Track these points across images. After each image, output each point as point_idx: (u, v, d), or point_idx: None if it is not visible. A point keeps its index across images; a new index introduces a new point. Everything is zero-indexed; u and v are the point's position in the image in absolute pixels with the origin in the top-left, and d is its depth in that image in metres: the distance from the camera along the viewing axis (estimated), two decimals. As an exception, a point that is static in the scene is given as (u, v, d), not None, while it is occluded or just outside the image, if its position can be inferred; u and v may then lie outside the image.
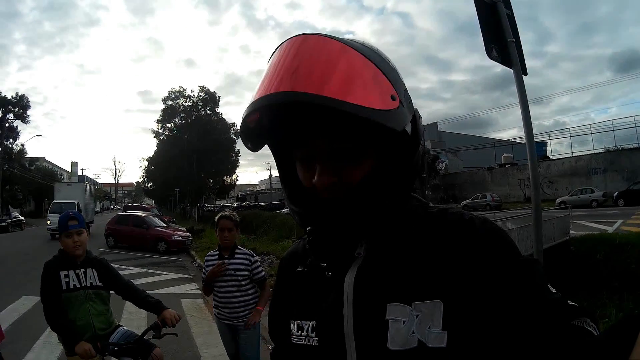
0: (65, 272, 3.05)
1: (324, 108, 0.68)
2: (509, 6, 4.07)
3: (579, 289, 10.45)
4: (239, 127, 0.83)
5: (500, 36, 3.88)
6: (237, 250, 3.90)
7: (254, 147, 0.86)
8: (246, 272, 3.81)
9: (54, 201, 28.73)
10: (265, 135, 0.84)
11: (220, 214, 4.03)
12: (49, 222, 24.00)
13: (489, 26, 3.88)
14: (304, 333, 0.86)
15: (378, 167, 0.80)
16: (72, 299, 3.02)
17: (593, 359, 0.56)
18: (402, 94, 0.78)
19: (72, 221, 3.10)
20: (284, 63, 0.74)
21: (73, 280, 3.05)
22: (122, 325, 3.37)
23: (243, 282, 3.79)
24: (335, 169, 0.79)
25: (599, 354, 0.55)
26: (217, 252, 3.97)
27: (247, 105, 0.75)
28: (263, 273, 3.93)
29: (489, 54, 3.82)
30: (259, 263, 3.97)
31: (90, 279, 3.14)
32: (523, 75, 3.90)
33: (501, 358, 0.71)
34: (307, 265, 0.93)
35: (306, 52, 0.74)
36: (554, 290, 0.74)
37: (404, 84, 0.82)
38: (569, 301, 0.73)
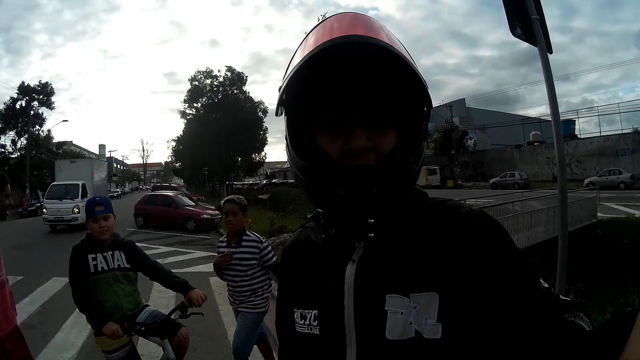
0: (93, 255, 3.09)
1: (388, 60, 0.75)
2: (533, -18, 3.94)
3: (605, 273, 10.32)
4: (282, 85, 0.82)
5: (524, 13, 3.77)
6: (244, 237, 3.81)
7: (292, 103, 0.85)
8: (254, 261, 3.74)
9: (53, 183, 22.18)
10: (298, 97, 0.84)
11: (225, 198, 3.98)
12: (45, 211, 19.68)
13: (513, 3, 3.78)
14: (307, 322, 0.88)
15: (403, 143, 0.83)
16: (100, 281, 3.08)
17: (584, 356, 0.57)
18: None
19: (98, 207, 3.13)
20: (350, 19, 0.81)
21: (101, 263, 3.10)
22: (149, 305, 3.42)
23: (249, 272, 3.74)
24: (368, 135, 0.80)
25: (589, 351, 0.56)
26: (226, 239, 3.92)
27: (310, 49, 0.77)
28: (275, 259, 3.82)
29: (513, 31, 3.72)
30: (269, 249, 3.87)
31: (118, 261, 3.18)
32: (548, 54, 3.79)
33: (495, 350, 0.72)
34: (313, 254, 0.93)
35: (364, 17, 0.83)
36: (546, 285, 0.76)
37: None
38: (560, 296, 0.74)
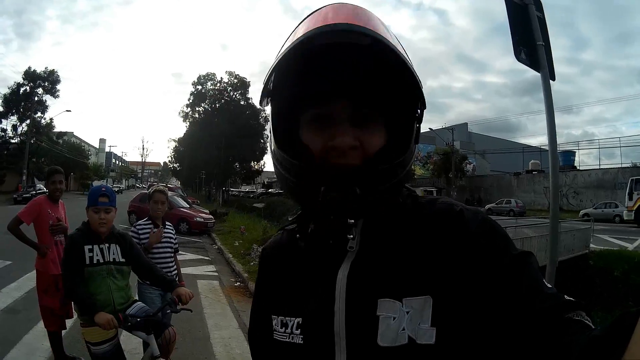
0: (90, 247, 3.05)
1: (379, 52, 0.72)
2: (540, 9, 3.99)
3: (594, 304, 10.33)
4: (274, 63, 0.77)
5: (529, 39, 3.81)
6: (166, 223, 4.37)
7: (273, 94, 0.82)
8: (174, 241, 4.38)
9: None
10: (283, 87, 0.81)
11: (154, 188, 4.40)
12: None
13: (519, 28, 3.82)
14: (288, 330, 0.84)
15: (392, 143, 0.79)
16: (94, 273, 3.03)
17: (588, 355, 0.54)
18: None
19: (102, 198, 3.08)
20: (345, 8, 0.78)
21: (97, 255, 3.06)
22: (138, 300, 3.41)
23: (175, 247, 4.39)
24: (355, 133, 0.77)
25: (594, 349, 0.53)
26: (149, 222, 4.27)
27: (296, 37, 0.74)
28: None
29: (517, 56, 3.75)
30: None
31: (114, 254, 3.14)
32: (550, 80, 3.82)
33: (495, 353, 0.69)
34: (295, 258, 0.89)
35: (359, 8, 0.79)
36: (549, 285, 0.71)
37: None
38: (565, 296, 0.69)
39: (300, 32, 0.75)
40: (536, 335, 0.63)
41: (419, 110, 0.79)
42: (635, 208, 25.65)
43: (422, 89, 0.77)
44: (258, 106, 45.37)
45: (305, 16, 0.82)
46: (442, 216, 0.80)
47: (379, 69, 0.75)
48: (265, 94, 0.81)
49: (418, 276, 0.75)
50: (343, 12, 0.75)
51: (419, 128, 0.81)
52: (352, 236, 0.79)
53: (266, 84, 0.79)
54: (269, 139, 0.85)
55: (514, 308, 0.67)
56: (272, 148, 0.83)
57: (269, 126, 0.85)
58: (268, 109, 0.85)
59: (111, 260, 3.12)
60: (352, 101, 0.77)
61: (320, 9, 0.81)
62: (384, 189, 0.77)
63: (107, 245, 3.12)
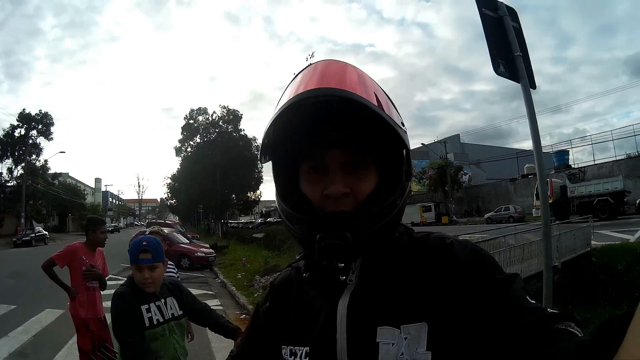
0: (147, 306, 2.58)
1: (361, 111, 0.77)
2: (515, 19, 4.08)
3: (601, 300, 10.31)
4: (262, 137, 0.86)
5: (507, 51, 3.89)
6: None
7: (272, 155, 0.91)
8: (177, 277, 4.53)
9: None
10: (280, 144, 0.89)
11: (150, 229, 4.36)
12: None
13: (496, 42, 3.90)
14: (297, 359, 0.90)
15: (382, 187, 0.86)
16: (156, 335, 2.59)
17: (578, 358, 0.57)
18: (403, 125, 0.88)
19: (143, 254, 2.59)
20: (324, 71, 0.84)
21: (156, 315, 2.61)
22: None
23: None
24: (346, 181, 0.84)
25: (583, 354, 0.56)
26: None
27: (283, 103, 0.80)
28: None
29: (496, 69, 3.82)
30: None
31: (172, 309, 2.71)
32: (531, 89, 3.90)
33: None
34: (302, 291, 0.96)
35: (340, 68, 0.86)
36: (532, 301, 0.77)
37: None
38: (549, 309, 0.75)
39: (293, 91, 0.81)
40: (524, 348, 0.68)
41: (405, 152, 0.87)
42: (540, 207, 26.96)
43: (404, 134, 0.85)
44: (249, 137, 45.44)
45: (298, 72, 0.90)
46: (434, 250, 0.87)
47: (363, 120, 0.81)
48: (264, 151, 0.90)
49: (414, 305, 0.81)
50: (327, 74, 0.82)
51: (408, 168, 0.88)
52: (344, 277, 0.86)
53: (263, 142, 0.87)
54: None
55: (501, 327, 0.73)
56: (276, 198, 0.92)
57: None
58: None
59: (170, 316, 2.68)
60: (342, 151, 0.85)
61: (309, 66, 0.89)
62: (376, 229, 0.83)
63: (163, 300, 2.68)
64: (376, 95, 0.83)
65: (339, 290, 0.88)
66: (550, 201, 27.73)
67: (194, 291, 11.96)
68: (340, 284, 0.87)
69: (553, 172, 36.76)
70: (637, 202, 26.81)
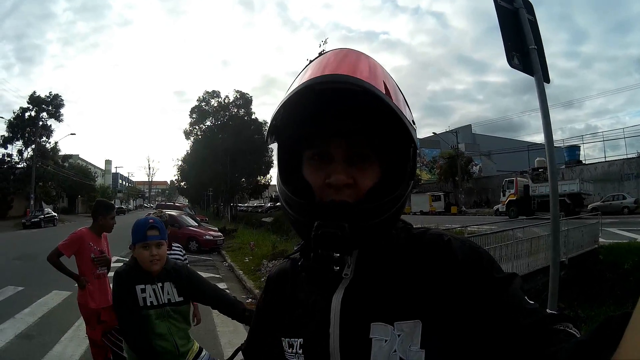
0: (142, 287, 2.63)
1: (373, 102, 0.76)
2: (531, 11, 4.03)
3: (606, 298, 10.28)
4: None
5: (521, 44, 3.85)
6: (172, 244, 4.38)
7: (277, 137, 0.91)
8: (185, 260, 4.39)
9: None
10: (288, 127, 0.87)
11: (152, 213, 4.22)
12: None
13: (511, 34, 3.85)
14: (294, 350, 0.90)
15: (385, 182, 0.85)
16: (150, 316, 2.63)
17: (577, 358, 0.57)
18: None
19: (151, 231, 2.63)
20: (339, 59, 0.83)
21: (150, 297, 2.63)
22: (203, 349, 2.97)
23: None
24: (350, 171, 0.83)
25: (581, 354, 0.56)
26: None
27: (296, 86, 0.80)
28: None
29: (510, 61, 3.79)
30: None
31: (168, 294, 2.70)
32: (545, 83, 3.86)
33: None
34: (298, 284, 0.96)
35: (354, 58, 0.84)
36: (531, 302, 0.76)
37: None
38: (547, 310, 0.75)
39: (306, 77, 0.80)
40: (523, 349, 0.68)
41: (412, 150, 0.86)
42: (506, 202, 32.12)
43: (414, 130, 0.84)
44: (261, 120, 45.50)
45: (313, 59, 0.90)
46: (431, 246, 0.86)
47: (373, 113, 0.80)
48: (271, 132, 0.89)
49: (409, 302, 0.81)
50: (341, 62, 0.81)
51: (412, 167, 0.87)
52: (337, 267, 0.83)
53: (271, 123, 0.86)
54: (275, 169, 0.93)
55: (499, 327, 0.73)
56: (277, 181, 0.91)
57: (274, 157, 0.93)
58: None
59: (166, 301, 2.68)
60: (348, 141, 0.84)
61: (325, 53, 0.88)
62: (375, 224, 0.82)
63: (160, 285, 2.68)
64: (387, 89, 0.81)
65: (333, 284, 0.87)
66: (513, 198, 30.96)
67: (201, 274, 12.02)
68: (335, 276, 0.86)
69: (564, 167, 36.73)
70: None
